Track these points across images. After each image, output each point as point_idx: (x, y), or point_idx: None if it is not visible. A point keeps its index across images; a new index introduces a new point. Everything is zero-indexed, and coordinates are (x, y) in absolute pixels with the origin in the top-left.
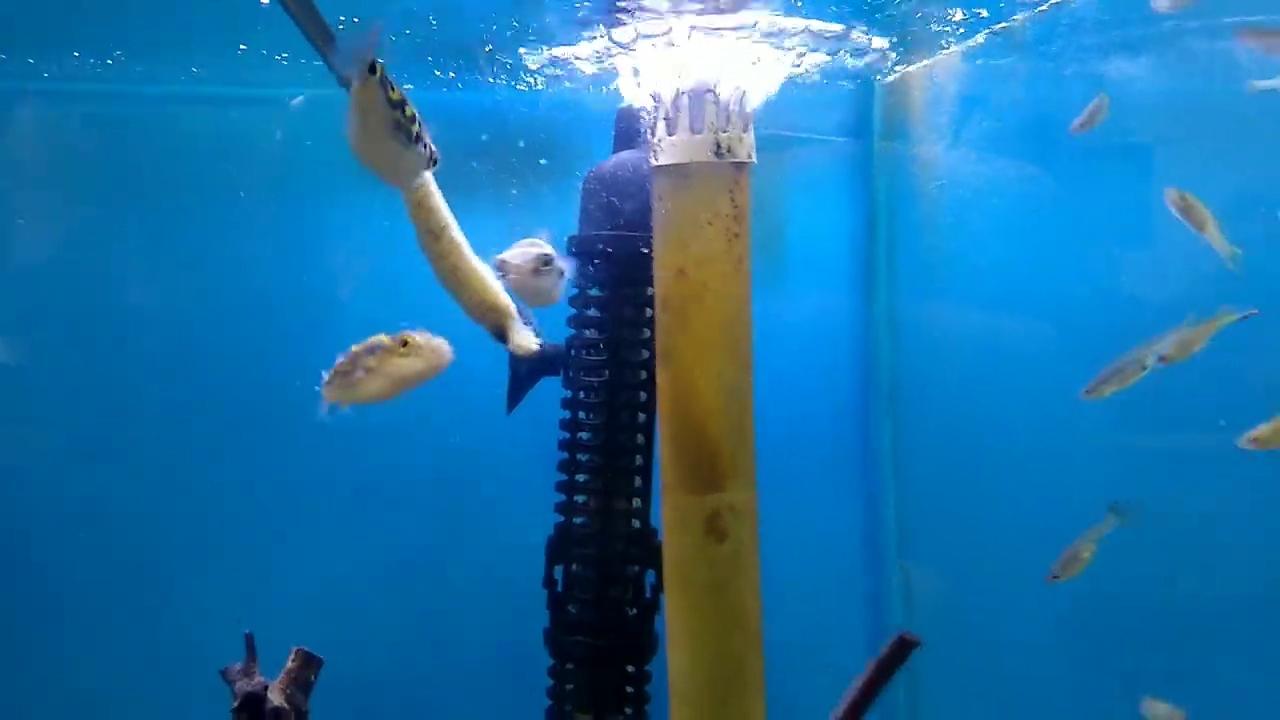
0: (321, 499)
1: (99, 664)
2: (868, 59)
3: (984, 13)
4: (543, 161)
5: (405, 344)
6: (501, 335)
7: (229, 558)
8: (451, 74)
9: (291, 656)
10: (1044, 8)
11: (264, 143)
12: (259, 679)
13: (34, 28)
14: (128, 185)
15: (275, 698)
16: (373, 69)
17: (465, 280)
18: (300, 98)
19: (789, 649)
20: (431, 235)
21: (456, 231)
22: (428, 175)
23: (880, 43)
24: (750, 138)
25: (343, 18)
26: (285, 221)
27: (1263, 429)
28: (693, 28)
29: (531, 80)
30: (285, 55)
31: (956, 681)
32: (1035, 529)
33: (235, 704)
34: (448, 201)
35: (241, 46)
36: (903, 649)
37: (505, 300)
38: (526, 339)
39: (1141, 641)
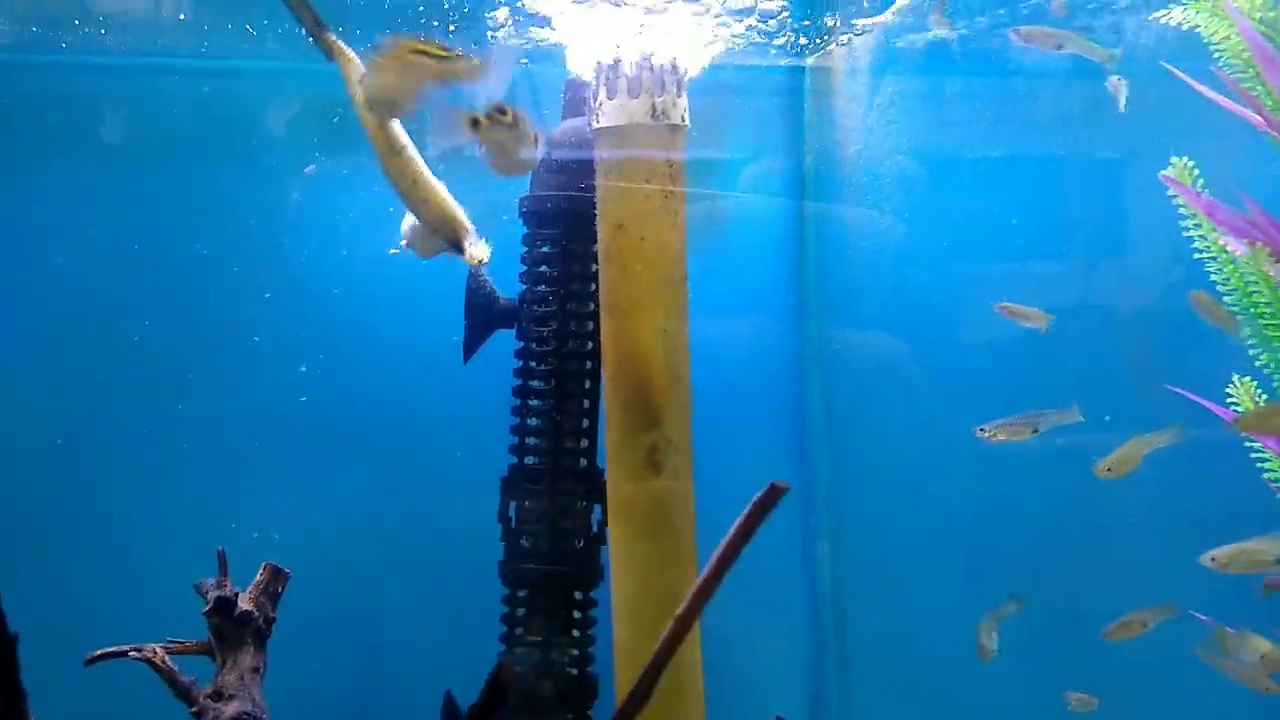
0: (293, 436)
1: (70, 593)
2: (794, 36)
3: None
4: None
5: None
6: (458, 246)
7: (196, 499)
8: None
9: (261, 570)
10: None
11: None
12: (230, 588)
13: None
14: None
15: (245, 603)
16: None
17: (425, 194)
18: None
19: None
20: (392, 153)
21: (414, 150)
22: (379, 90)
23: (800, 20)
24: (684, 102)
25: None
26: (252, 190)
27: (1111, 459)
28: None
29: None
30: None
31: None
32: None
33: (207, 608)
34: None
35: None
36: (771, 496)
37: (461, 214)
38: (480, 249)
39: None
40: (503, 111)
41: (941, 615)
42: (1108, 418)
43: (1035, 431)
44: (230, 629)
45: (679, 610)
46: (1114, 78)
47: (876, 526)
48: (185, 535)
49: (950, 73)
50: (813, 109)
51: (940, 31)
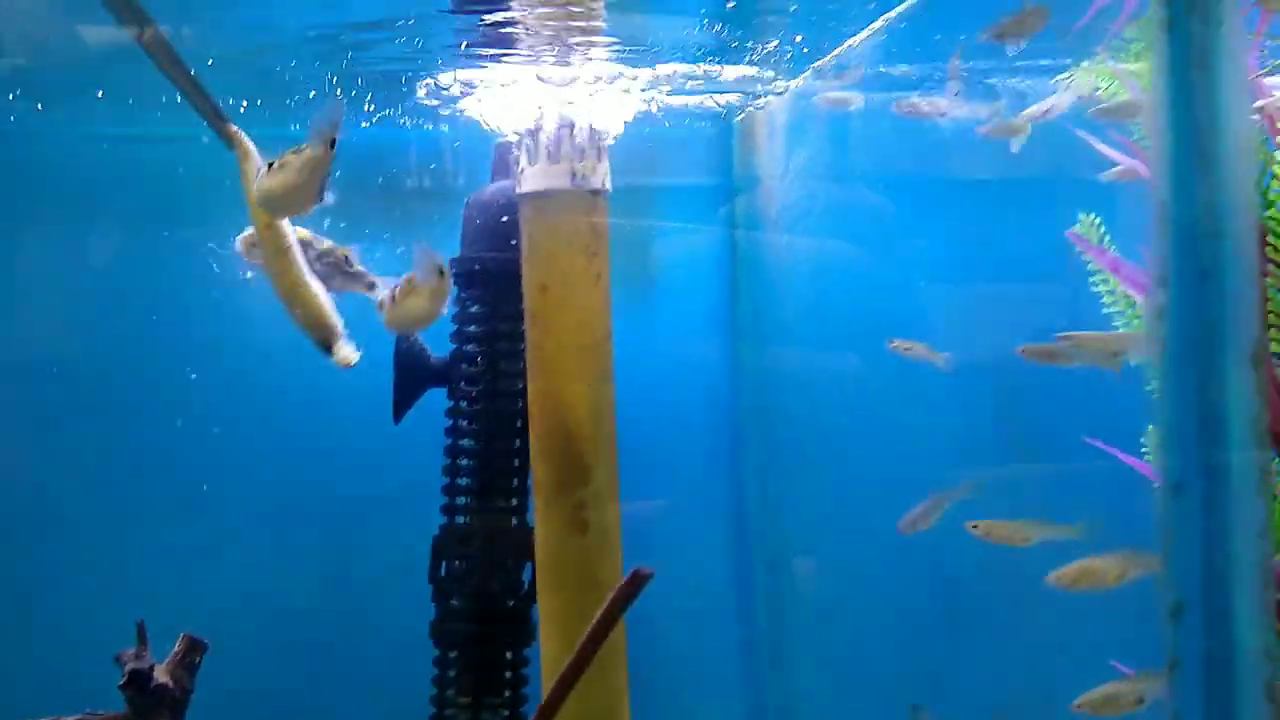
0: (227, 510)
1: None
2: (715, 98)
3: (805, 49)
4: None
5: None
6: (327, 348)
7: (120, 567)
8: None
9: (178, 641)
10: (851, 43)
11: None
12: (148, 660)
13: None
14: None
15: (161, 676)
16: (333, 144)
17: (302, 297)
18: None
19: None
20: (276, 252)
21: (298, 252)
22: (273, 189)
23: (725, 79)
24: (605, 166)
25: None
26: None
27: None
28: (539, 78)
29: (412, 120)
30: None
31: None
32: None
33: (122, 681)
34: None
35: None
36: (635, 583)
37: (332, 319)
38: (348, 352)
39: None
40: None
41: (876, 648)
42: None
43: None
44: (145, 702)
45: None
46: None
47: (813, 556)
48: (107, 604)
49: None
50: (740, 156)
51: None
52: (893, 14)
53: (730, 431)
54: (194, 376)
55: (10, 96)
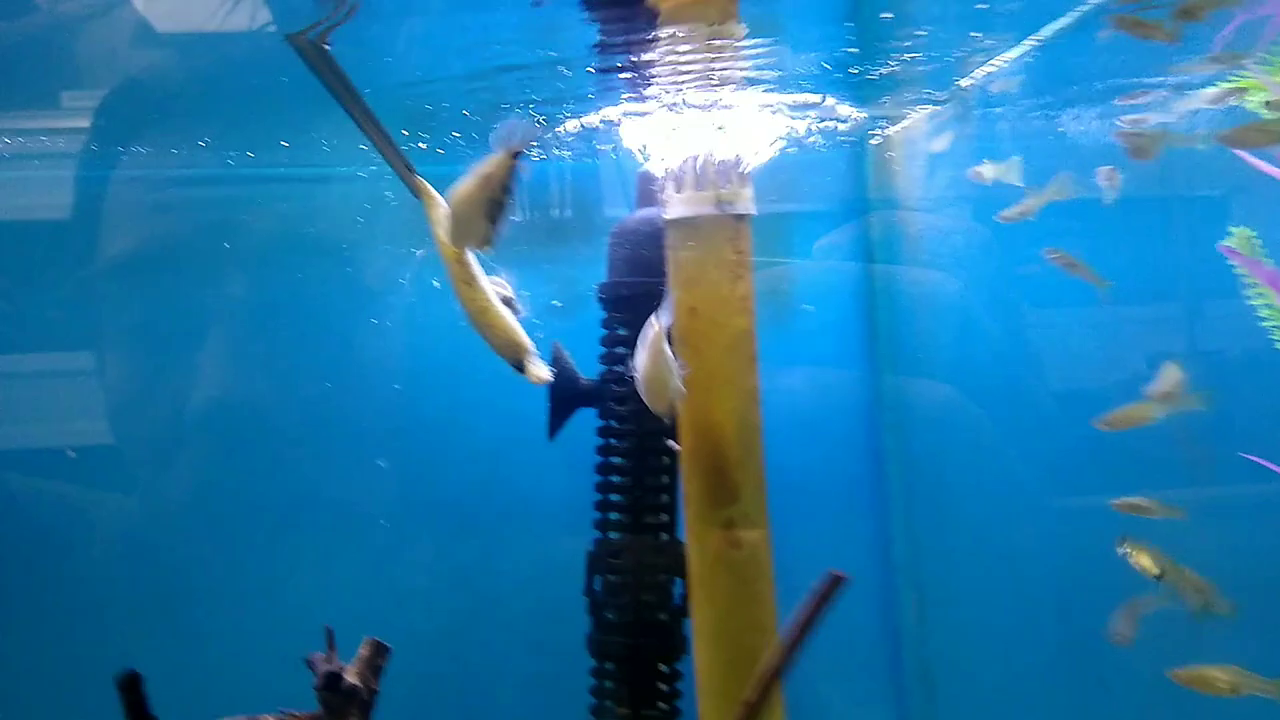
0: (378, 518)
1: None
2: (848, 125)
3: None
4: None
5: None
6: (520, 367)
7: (286, 574)
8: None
9: (363, 645)
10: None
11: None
12: (337, 663)
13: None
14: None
15: (351, 677)
16: (515, 154)
17: (492, 320)
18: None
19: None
20: (465, 284)
21: (485, 280)
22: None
23: (856, 112)
24: (749, 191)
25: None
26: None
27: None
28: (681, 106)
29: (557, 152)
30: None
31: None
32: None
33: (318, 683)
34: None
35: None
36: (832, 585)
37: (524, 339)
38: (541, 370)
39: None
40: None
41: (1031, 673)
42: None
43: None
44: (338, 702)
45: (745, 695)
46: (1104, 169)
47: (961, 585)
48: (275, 612)
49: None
50: (875, 182)
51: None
52: (1040, 36)
53: (871, 456)
54: (394, 387)
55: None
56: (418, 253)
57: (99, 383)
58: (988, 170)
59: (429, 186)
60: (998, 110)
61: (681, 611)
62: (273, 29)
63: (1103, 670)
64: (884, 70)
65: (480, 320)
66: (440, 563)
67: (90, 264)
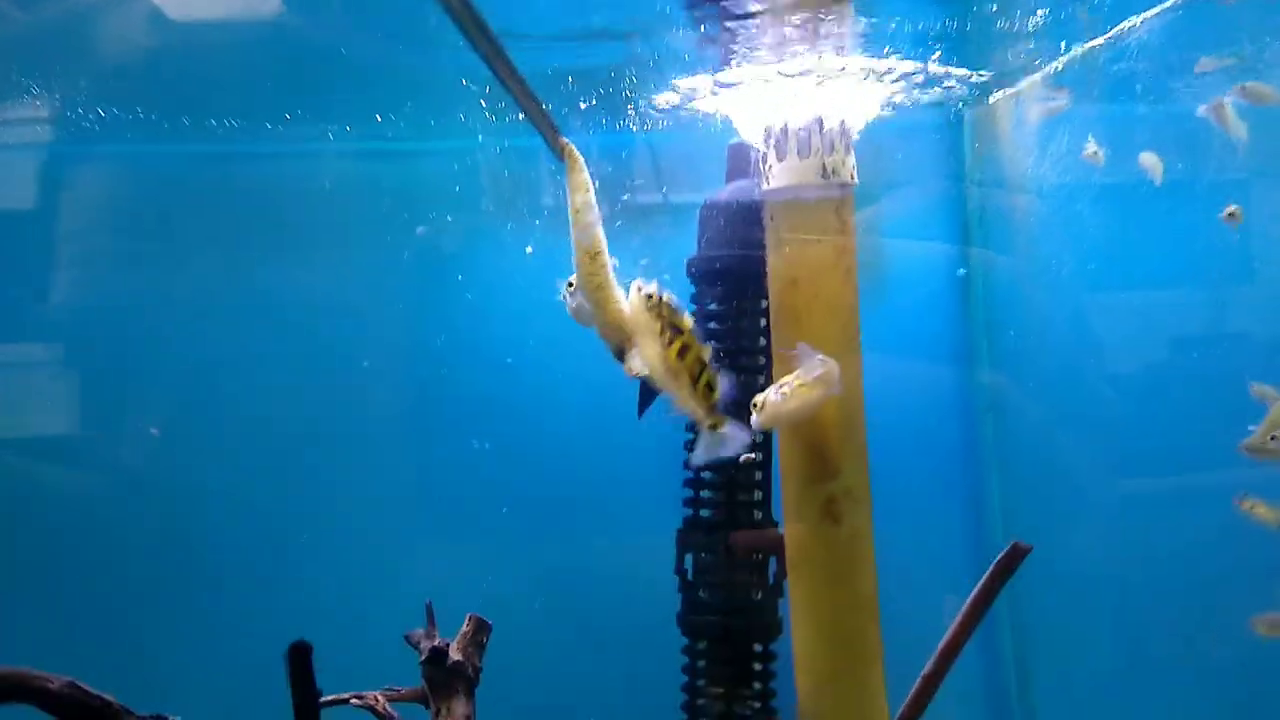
0: (475, 509)
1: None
2: (954, 89)
3: (1062, 44)
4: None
5: None
6: (620, 355)
7: (377, 558)
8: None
9: (466, 621)
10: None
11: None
12: (440, 639)
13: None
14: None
15: (455, 654)
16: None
17: (604, 300)
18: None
19: (907, 625)
20: (588, 255)
21: (607, 256)
22: (592, 198)
23: (964, 74)
24: (852, 160)
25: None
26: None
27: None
28: (781, 74)
29: (654, 121)
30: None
31: (1064, 671)
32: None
33: (423, 658)
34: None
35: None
36: (1014, 557)
37: (628, 325)
38: (636, 364)
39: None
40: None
41: (1130, 671)
42: None
43: None
44: (443, 677)
45: (926, 669)
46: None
47: (1057, 580)
48: (372, 588)
49: (1117, 105)
50: (974, 155)
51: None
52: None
53: (964, 440)
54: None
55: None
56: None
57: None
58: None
59: (573, 148)
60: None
61: (777, 591)
62: None
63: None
64: (995, 26)
65: (595, 296)
66: (531, 544)
67: None
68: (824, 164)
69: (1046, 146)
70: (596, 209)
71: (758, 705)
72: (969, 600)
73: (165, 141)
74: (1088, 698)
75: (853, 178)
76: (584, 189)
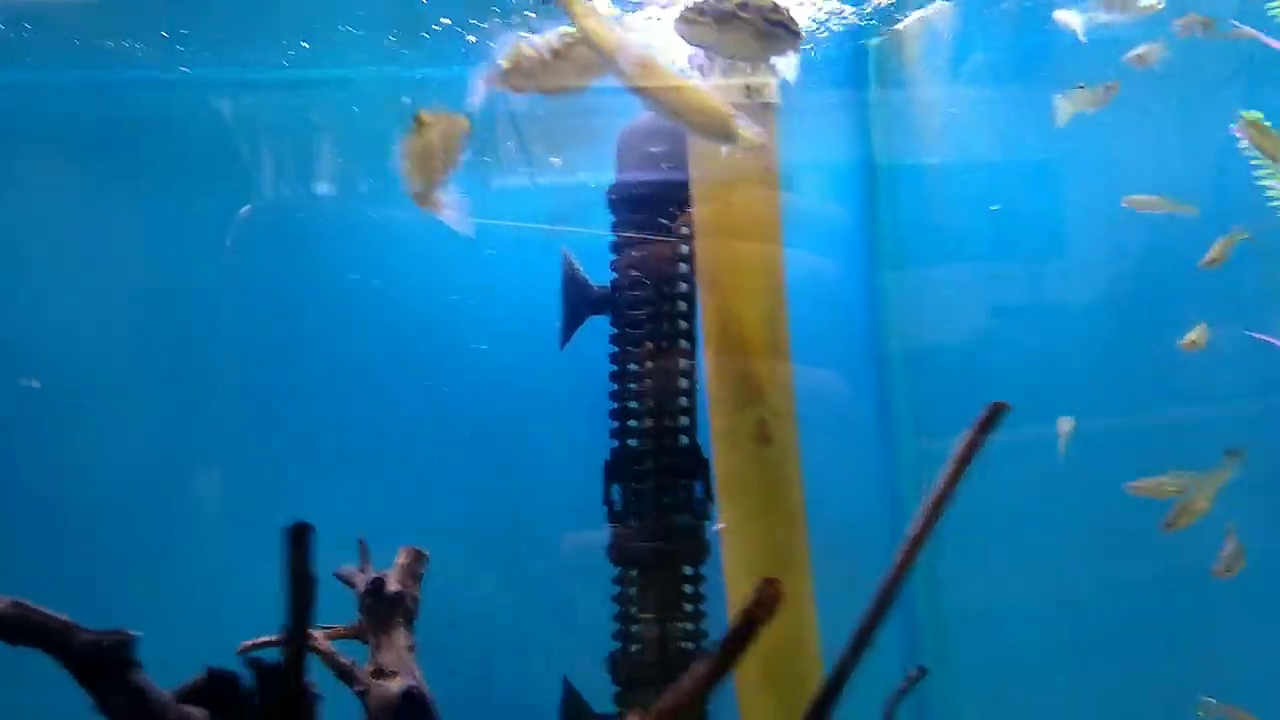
0: (394, 433)
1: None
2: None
3: None
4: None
5: None
6: (731, 136)
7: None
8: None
9: (401, 553)
10: None
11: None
12: (375, 572)
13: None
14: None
15: (393, 584)
16: None
17: (688, 99)
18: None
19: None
20: (647, 75)
21: (665, 64)
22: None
23: None
24: (774, 80)
25: None
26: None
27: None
28: None
29: None
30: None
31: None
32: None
33: (361, 590)
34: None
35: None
36: (995, 414)
37: (726, 107)
38: (755, 130)
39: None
40: None
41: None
42: None
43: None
44: (383, 609)
45: (911, 531)
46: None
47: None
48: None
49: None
50: (878, 89)
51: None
52: None
53: (873, 358)
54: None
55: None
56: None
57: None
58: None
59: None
60: None
61: (704, 515)
62: None
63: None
64: None
65: (676, 103)
66: (452, 481)
67: None
68: (747, 84)
69: (954, 66)
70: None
71: (691, 627)
72: (950, 466)
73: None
74: (1008, 666)
75: (775, 98)
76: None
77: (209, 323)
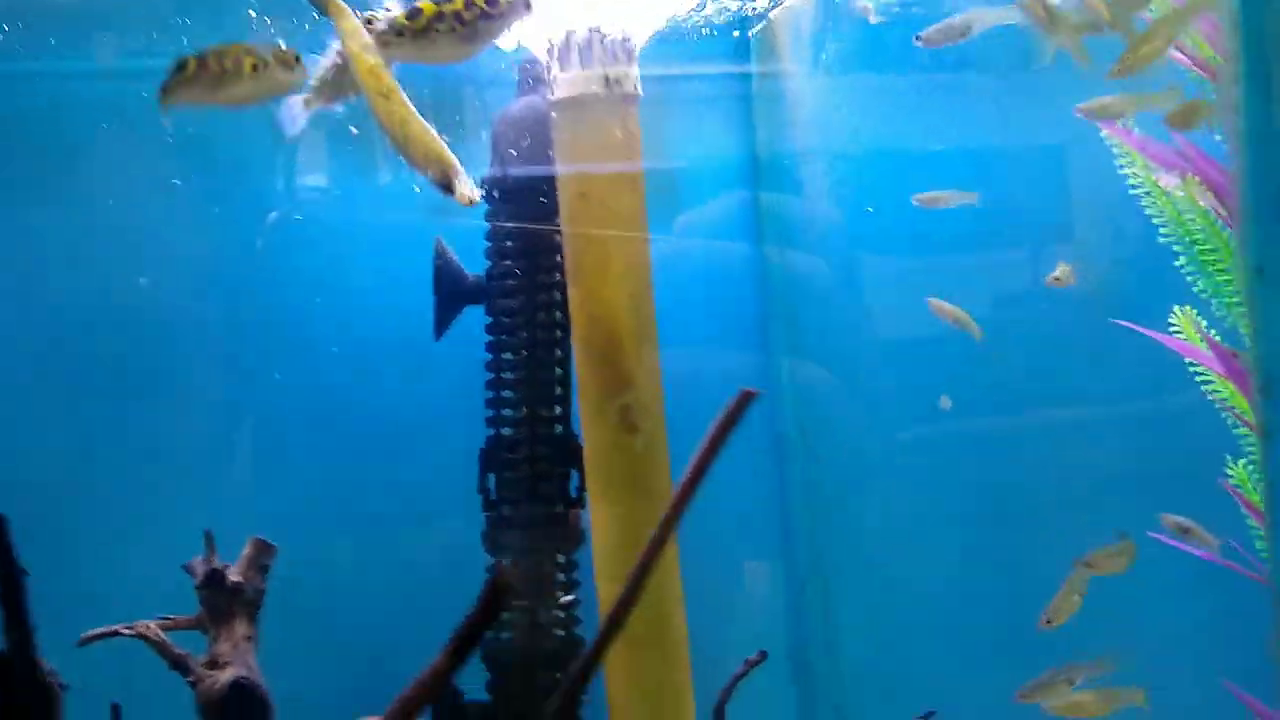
0: (265, 428)
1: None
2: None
3: None
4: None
5: None
6: (447, 185)
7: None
8: None
9: (248, 544)
10: None
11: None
12: (220, 563)
13: None
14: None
15: (234, 576)
16: None
17: (412, 134)
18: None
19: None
20: (382, 97)
21: (403, 94)
22: (369, 40)
23: None
24: (635, 71)
25: None
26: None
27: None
28: None
29: None
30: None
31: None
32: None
33: (198, 582)
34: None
35: None
36: (743, 401)
37: (448, 153)
38: (470, 188)
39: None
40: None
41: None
42: None
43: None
44: (221, 601)
45: (653, 532)
46: None
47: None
48: (164, 529)
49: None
50: (759, 83)
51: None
52: None
53: (761, 348)
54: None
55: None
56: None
57: None
58: None
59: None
60: None
61: (579, 503)
62: None
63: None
64: None
65: (400, 133)
66: (326, 473)
67: None
68: (607, 75)
69: (824, 45)
70: (376, 49)
71: (562, 615)
72: (697, 455)
73: None
74: (895, 649)
75: (636, 89)
76: (358, 34)
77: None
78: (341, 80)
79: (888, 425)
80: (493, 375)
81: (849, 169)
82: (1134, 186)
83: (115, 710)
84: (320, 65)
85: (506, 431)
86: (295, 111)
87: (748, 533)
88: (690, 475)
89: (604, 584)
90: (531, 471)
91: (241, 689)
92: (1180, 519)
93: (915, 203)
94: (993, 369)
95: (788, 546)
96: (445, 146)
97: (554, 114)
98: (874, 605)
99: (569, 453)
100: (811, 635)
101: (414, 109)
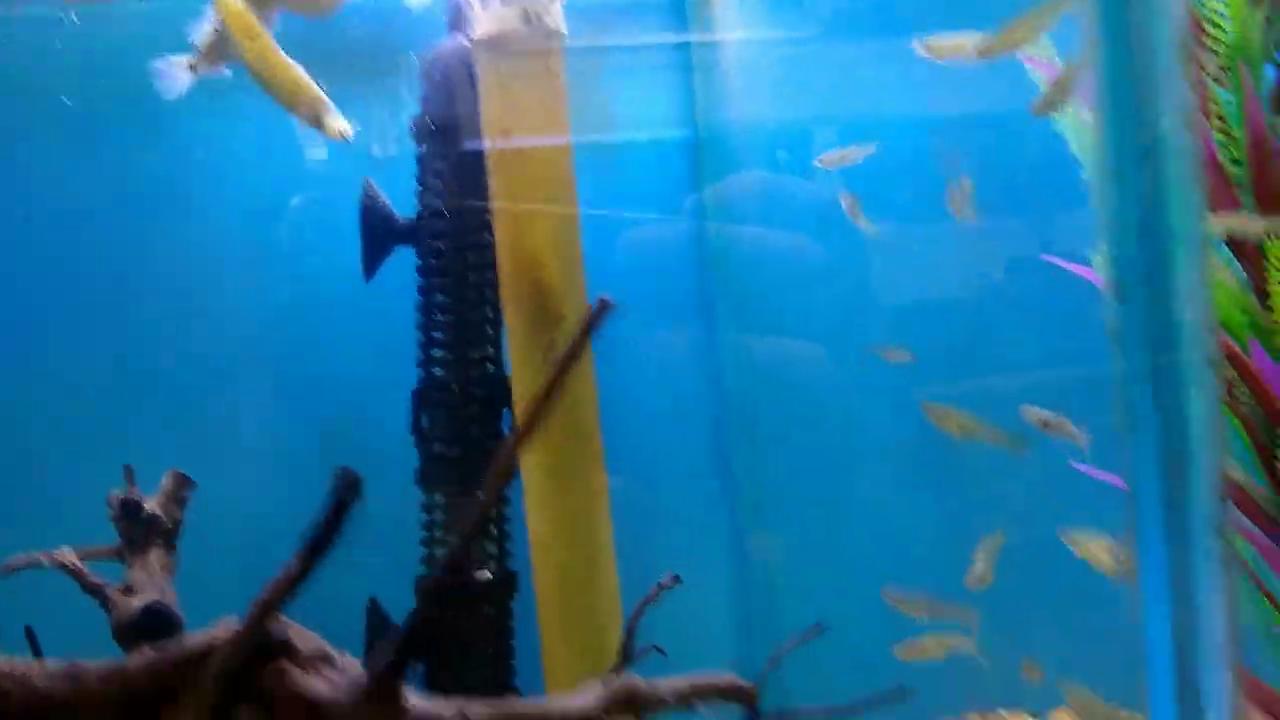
0: (201, 375)
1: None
2: None
3: None
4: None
5: None
6: (318, 121)
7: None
8: None
9: (165, 477)
10: None
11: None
12: (138, 495)
13: None
14: None
15: (151, 507)
16: None
17: (275, 69)
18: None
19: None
20: (248, 38)
21: (270, 38)
22: None
23: None
24: (558, 8)
25: None
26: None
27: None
28: None
29: None
30: None
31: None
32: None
33: (113, 513)
34: None
35: None
36: (601, 309)
37: (315, 89)
38: (340, 122)
39: None
40: None
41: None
42: None
43: None
44: (138, 531)
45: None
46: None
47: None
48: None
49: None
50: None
51: None
52: None
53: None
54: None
55: None
56: None
57: None
58: None
59: None
60: None
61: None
62: None
63: None
64: None
65: (268, 75)
66: (259, 416)
67: None
68: (527, 10)
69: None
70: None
71: (494, 550)
72: (560, 356)
73: None
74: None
75: (558, 25)
76: None
77: None
78: (226, 43)
79: (836, 396)
80: (424, 317)
81: (791, 136)
82: (1057, 126)
83: (30, 633)
84: (203, 29)
85: (438, 371)
86: (179, 73)
87: (682, 467)
88: (553, 377)
89: (534, 514)
90: (464, 411)
91: (153, 613)
92: (1042, 411)
93: (817, 164)
94: (942, 333)
95: (730, 486)
96: (312, 83)
97: (477, 51)
98: (809, 546)
99: (500, 391)
100: (754, 582)
101: (281, 51)
